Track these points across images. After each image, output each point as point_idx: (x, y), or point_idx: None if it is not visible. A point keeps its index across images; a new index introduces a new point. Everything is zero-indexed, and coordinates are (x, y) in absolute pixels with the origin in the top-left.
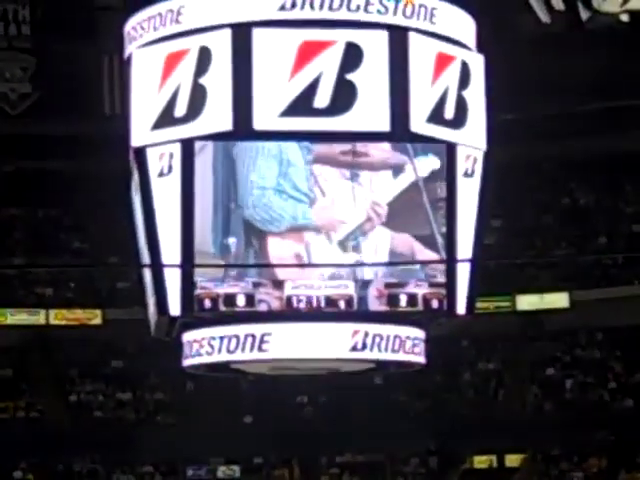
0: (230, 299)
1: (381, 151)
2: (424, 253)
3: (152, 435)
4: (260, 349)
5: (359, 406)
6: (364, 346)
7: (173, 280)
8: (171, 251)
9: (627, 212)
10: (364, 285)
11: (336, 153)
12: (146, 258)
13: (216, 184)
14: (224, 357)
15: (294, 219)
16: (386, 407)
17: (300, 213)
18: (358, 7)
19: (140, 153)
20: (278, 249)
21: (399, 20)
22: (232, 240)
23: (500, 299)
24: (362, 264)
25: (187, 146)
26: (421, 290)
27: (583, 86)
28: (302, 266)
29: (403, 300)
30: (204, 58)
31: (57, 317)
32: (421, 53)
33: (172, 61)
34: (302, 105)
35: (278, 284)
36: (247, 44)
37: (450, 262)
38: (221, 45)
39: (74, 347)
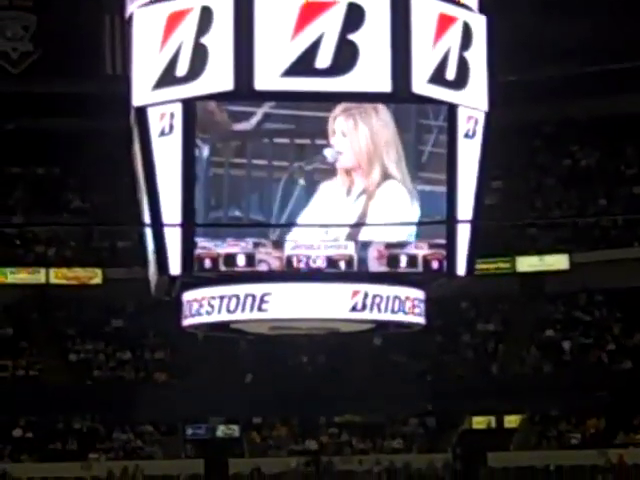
0: (230, 259)
1: None
2: None
3: (152, 394)
4: (260, 309)
5: (358, 366)
6: (364, 306)
7: (173, 240)
8: (172, 210)
9: (627, 174)
10: (364, 246)
11: None
12: (147, 217)
13: None
14: (224, 317)
15: None
16: (385, 368)
17: None
18: None
19: (141, 112)
20: None
21: None
22: None
23: (500, 260)
24: (361, 224)
25: (188, 106)
26: (421, 251)
27: (585, 48)
28: (309, 226)
29: (403, 261)
30: (206, 18)
31: (57, 276)
32: (423, 14)
33: (174, 21)
34: (304, 65)
35: (278, 244)
36: (249, 4)
37: (450, 223)
38: (223, 4)
39: (74, 306)
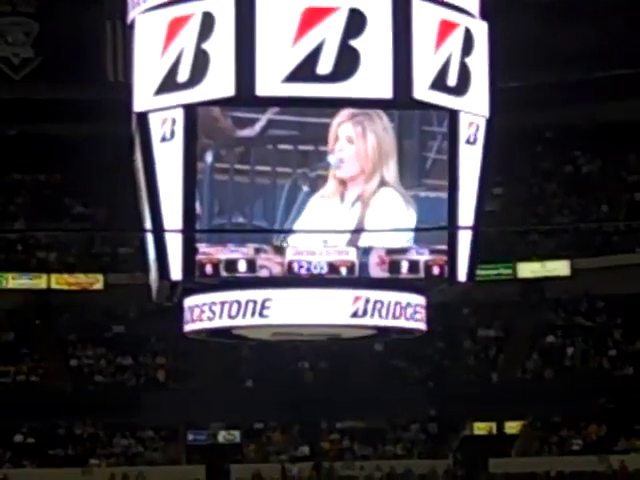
0: (231, 265)
1: None
2: None
3: (153, 400)
4: (261, 315)
5: (359, 372)
6: (365, 312)
7: (175, 245)
8: (173, 216)
9: (629, 180)
10: (365, 252)
11: None
12: (148, 223)
13: None
14: (225, 322)
15: None
16: (386, 373)
17: None
18: None
19: (143, 118)
20: None
21: None
22: None
23: (501, 266)
24: (361, 229)
25: (189, 111)
26: (422, 257)
27: (587, 54)
28: (309, 232)
29: (404, 267)
30: (207, 23)
31: (58, 282)
32: (424, 20)
33: (175, 26)
34: (305, 71)
35: (279, 250)
36: (250, 10)
37: (452, 229)
38: (224, 10)
39: (75, 312)
